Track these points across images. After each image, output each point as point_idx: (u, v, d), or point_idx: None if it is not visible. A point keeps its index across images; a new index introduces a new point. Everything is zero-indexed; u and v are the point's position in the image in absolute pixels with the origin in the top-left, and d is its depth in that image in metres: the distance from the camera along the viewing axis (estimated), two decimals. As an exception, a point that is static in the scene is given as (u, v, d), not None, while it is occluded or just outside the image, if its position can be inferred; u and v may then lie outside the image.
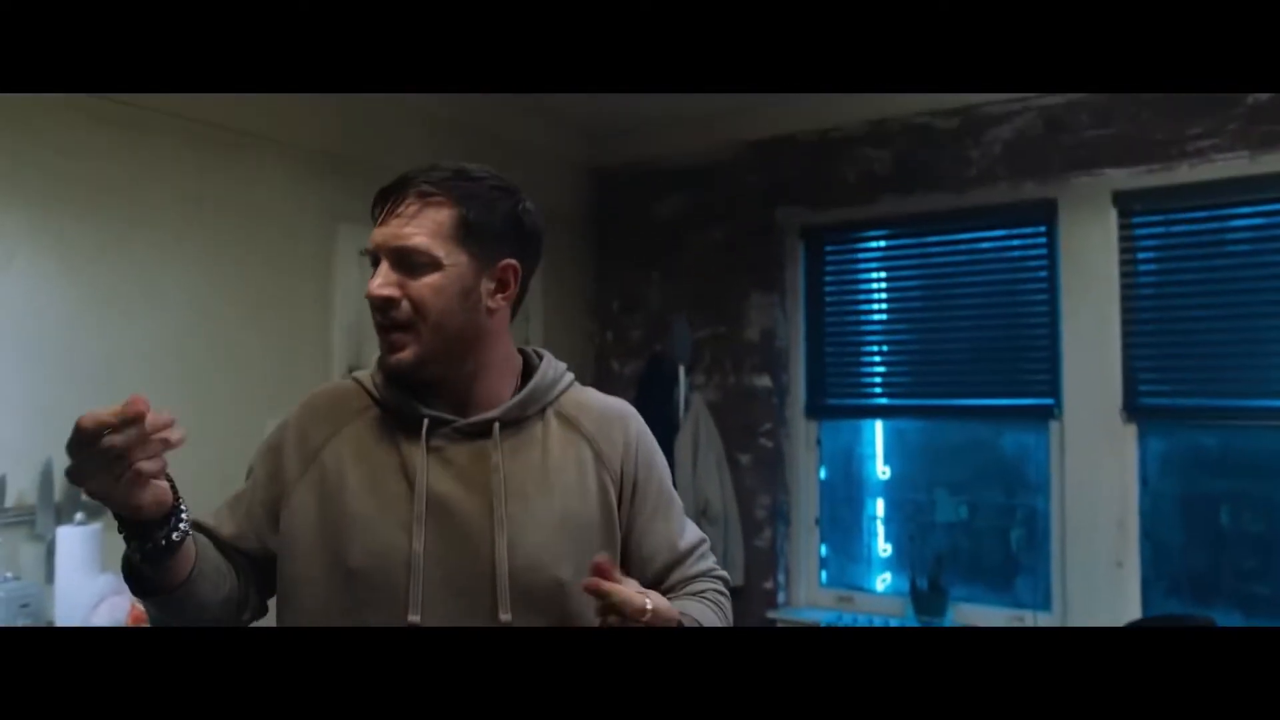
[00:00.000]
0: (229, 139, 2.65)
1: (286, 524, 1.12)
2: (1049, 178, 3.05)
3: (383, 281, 1.05)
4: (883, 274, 3.51)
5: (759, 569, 3.48)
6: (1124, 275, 2.96)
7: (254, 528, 1.14)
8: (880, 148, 3.34)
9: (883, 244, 3.50)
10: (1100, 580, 2.95)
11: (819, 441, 3.55)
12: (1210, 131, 2.79)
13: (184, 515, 0.98)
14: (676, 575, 1.18)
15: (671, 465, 3.29)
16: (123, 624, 1.99)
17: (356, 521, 1.08)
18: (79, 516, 2.19)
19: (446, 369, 1.10)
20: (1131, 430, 2.95)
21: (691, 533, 1.23)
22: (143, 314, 2.45)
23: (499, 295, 1.11)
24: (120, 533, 0.97)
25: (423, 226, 1.06)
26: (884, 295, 3.50)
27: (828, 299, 3.56)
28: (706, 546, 1.24)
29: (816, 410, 3.55)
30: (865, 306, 3.53)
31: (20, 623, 1.99)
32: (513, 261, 1.12)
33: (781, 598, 3.48)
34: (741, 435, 3.54)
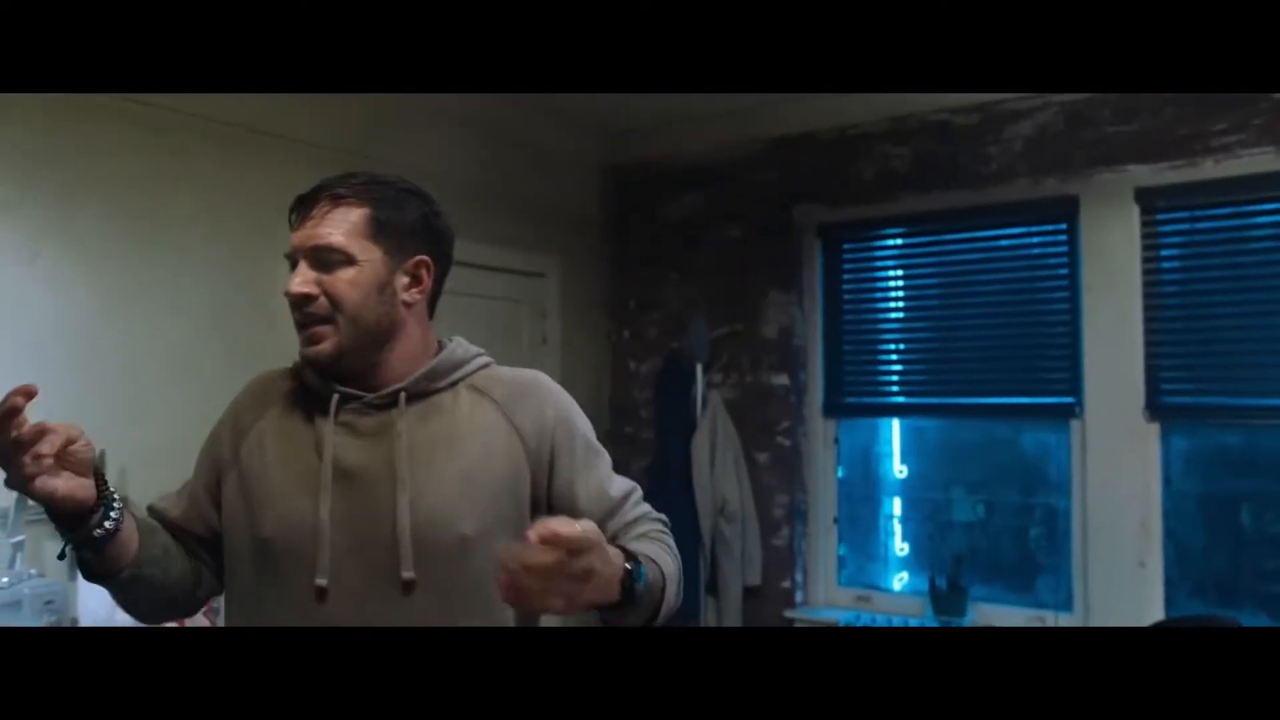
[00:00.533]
0: (248, 137, 2.67)
1: (223, 504, 1.21)
2: (1070, 174, 3.02)
3: (301, 280, 1.13)
4: (901, 272, 3.49)
5: (777, 568, 3.47)
6: (1147, 272, 2.93)
7: (199, 511, 1.24)
8: (899, 145, 3.32)
9: (901, 241, 3.48)
10: (1123, 581, 2.92)
11: (837, 440, 3.53)
12: (1235, 127, 2.75)
13: (115, 508, 1.07)
14: (614, 524, 1.20)
15: (688, 463, 3.36)
16: (145, 620, 2.00)
17: (271, 494, 1.17)
18: (102, 513, 2.22)
19: (363, 360, 1.17)
20: (1154, 429, 2.92)
21: (621, 482, 1.25)
22: (165, 313, 2.47)
23: (414, 289, 1.19)
24: (52, 522, 1.06)
25: (336, 226, 1.14)
26: (902, 293, 3.48)
27: (845, 297, 3.54)
28: (639, 494, 1.26)
29: (834, 409, 3.53)
30: (883, 304, 3.51)
31: (45, 620, 2.01)
32: (424, 257, 1.20)
33: (799, 597, 3.47)
34: (759, 434, 3.53)
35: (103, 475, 1.08)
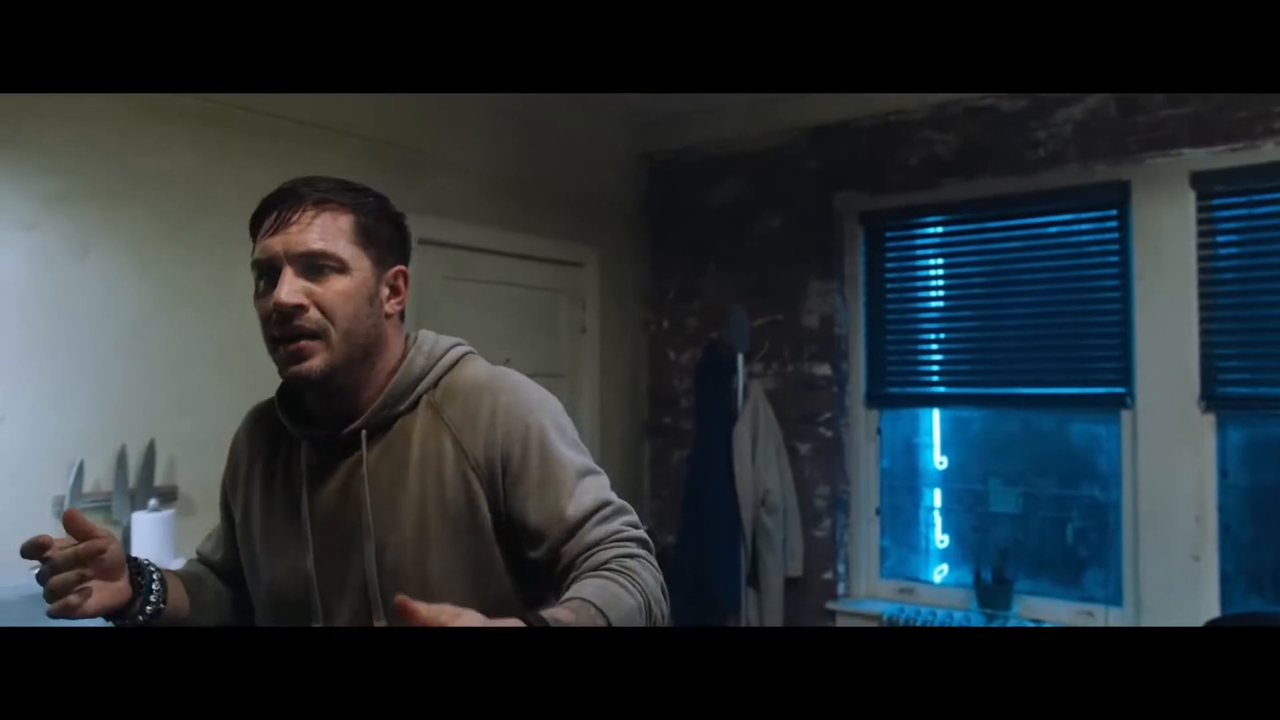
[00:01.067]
0: (292, 130, 2.69)
1: (239, 547, 1.23)
2: (1122, 159, 2.94)
3: (291, 289, 1.03)
4: (944, 260, 3.43)
5: (818, 560, 3.44)
6: (1202, 259, 2.84)
7: (230, 552, 1.25)
8: (944, 131, 3.26)
9: (944, 229, 3.42)
10: (1176, 575, 2.84)
11: (879, 431, 3.49)
12: (1297, 108, 2.66)
13: (154, 590, 1.08)
14: (571, 548, 1.05)
15: (729, 454, 3.34)
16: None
17: (265, 543, 1.17)
18: (152, 503, 2.26)
19: (349, 377, 1.09)
20: (1210, 420, 2.84)
21: (588, 497, 1.08)
22: (212, 307, 2.51)
23: (393, 300, 1.13)
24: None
25: (327, 231, 1.06)
26: (945, 281, 3.42)
27: (888, 286, 3.49)
28: (609, 510, 1.09)
29: (877, 399, 3.49)
30: (926, 293, 3.46)
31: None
32: (403, 267, 1.15)
33: (841, 589, 3.44)
34: (800, 424, 3.50)
35: (136, 561, 1.08)
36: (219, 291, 2.52)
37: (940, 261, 3.44)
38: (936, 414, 3.45)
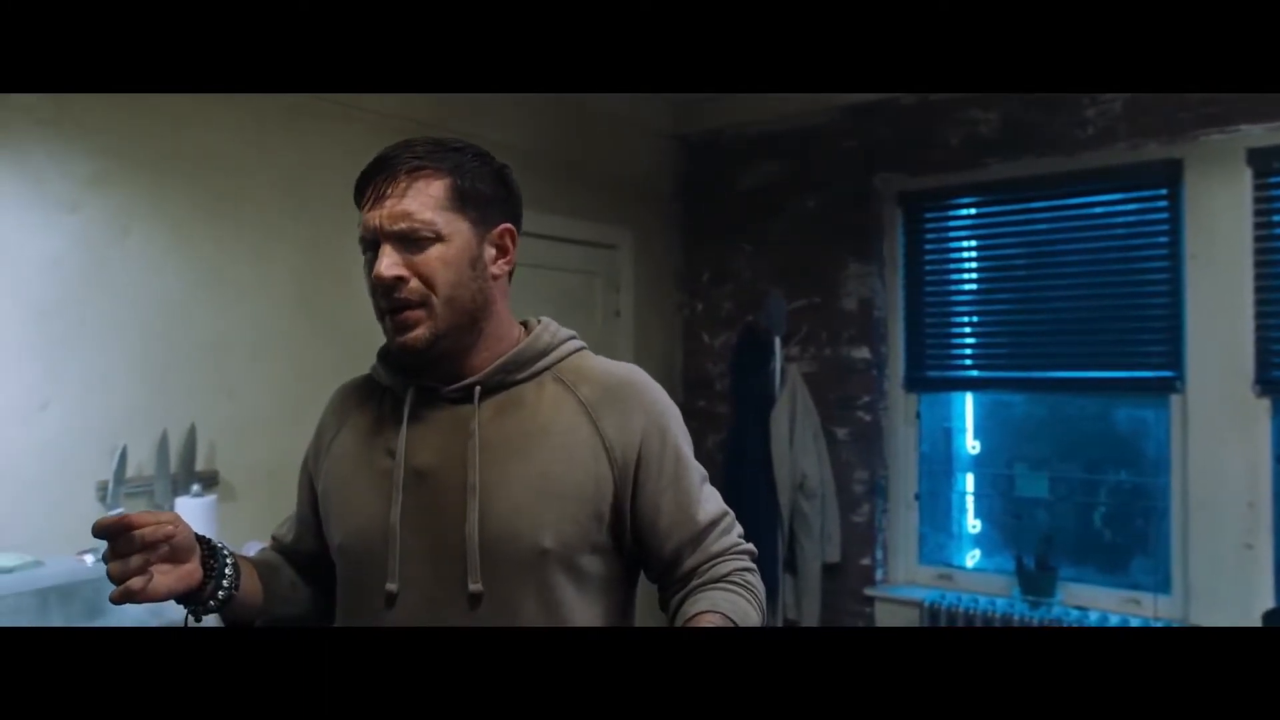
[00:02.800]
0: (330, 109, 2.65)
1: (321, 518, 1.18)
2: (1175, 137, 2.86)
3: (390, 262, 1.03)
4: (986, 241, 3.36)
5: (856, 545, 3.40)
6: (1259, 239, 2.77)
7: (308, 530, 1.22)
8: (987, 110, 3.19)
9: (987, 210, 3.35)
10: (1227, 563, 2.79)
11: (919, 415, 3.43)
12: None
13: (226, 574, 1.04)
14: (696, 557, 1.10)
15: (766, 439, 3.29)
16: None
17: (346, 499, 1.12)
18: (195, 488, 2.23)
19: (456, 343, 1.08)
20: (1264, 405, 2.77)
21: (712, 505, 1.13)
22: (251, 290, 2.47)
23: (500, 261, 1.11)
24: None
25: (418, 200, 1.04)
26: (987, 263, 3.36)
27: (928, 268, 3.43)
28: (730, 520, 1.15)
29: (916, 383, 3.43)
30: (968, 275, 3.39)
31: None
32: (509, 225, 1.12)
33: (879, 575, 3.40)
34: (838, 408, 3.45)
35: (209, 543, 1.04)
36: (257, 273, 2.49)
37: (981, 243, 3.37)
38: (969, 397, 3.40)
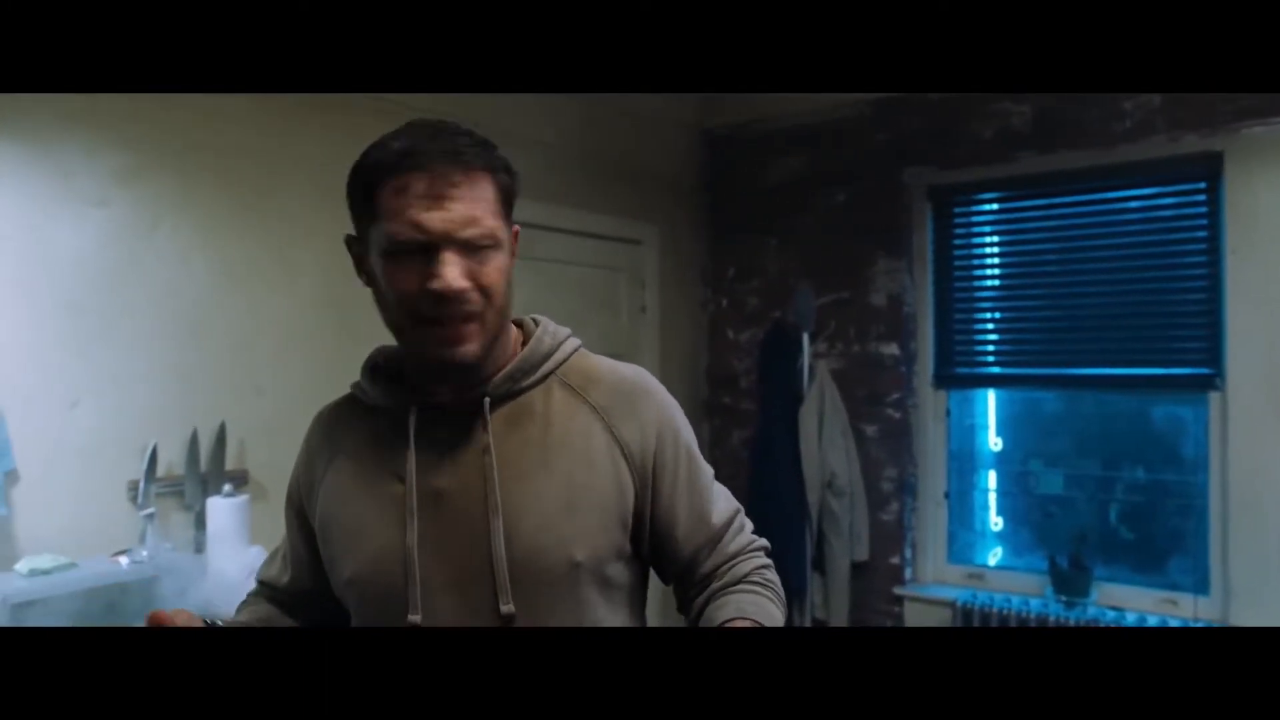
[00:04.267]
0: (357, 103, 2.60)
1: (322, 554, 1.10)
2: (1215, 129, 2.81)
3: (459, 272, 0.93)
4: (1018, 236, 3.31)
5: (885, 544, 3.36)
6: (1301, 234, 2.72)
7: (304, 568, 1.15)
8: (1020, 102, 3.14)
9: (1019, 204, 3.30)
10: (1269, 563, 2.74)
11: (948, 412, 3.39)
12: None
13: None
14: (714, 559, 1.08)
15: (794, 436, 3.25)
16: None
17: (352, 531, 1.04)
18: (226, 488, 2.20)
19: (488, 353, 1.02)
20: (1306, 402, 2.72)
21: (723, 504, 1.11)
22: (279, 286, 2.44)
23: (511, 264, 1.04)
24: None
25: (480, 204, 0.95)
26: (1019, 259, 3.31)
27: (957, 263, 3.38)
28: (741, 516, 1.13)
29: (945, 380, 3.39)
30: (998, 271, 3.35)
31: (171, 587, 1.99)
32: (518, 226, 1.05)
33: (908, 574, 3.36)
34: (867, 405, 3.41)
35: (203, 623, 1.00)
36: (286, 269, 2.46)
37: (1013, 238, 3.32)
38: (990, 394, 3.37)
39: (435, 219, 0.93)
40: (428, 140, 0.96)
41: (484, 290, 0.96)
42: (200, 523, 2.22)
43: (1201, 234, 2.93)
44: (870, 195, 3.43)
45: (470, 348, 0.97)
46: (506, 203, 1.00)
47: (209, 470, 2.27)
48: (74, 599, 1.69)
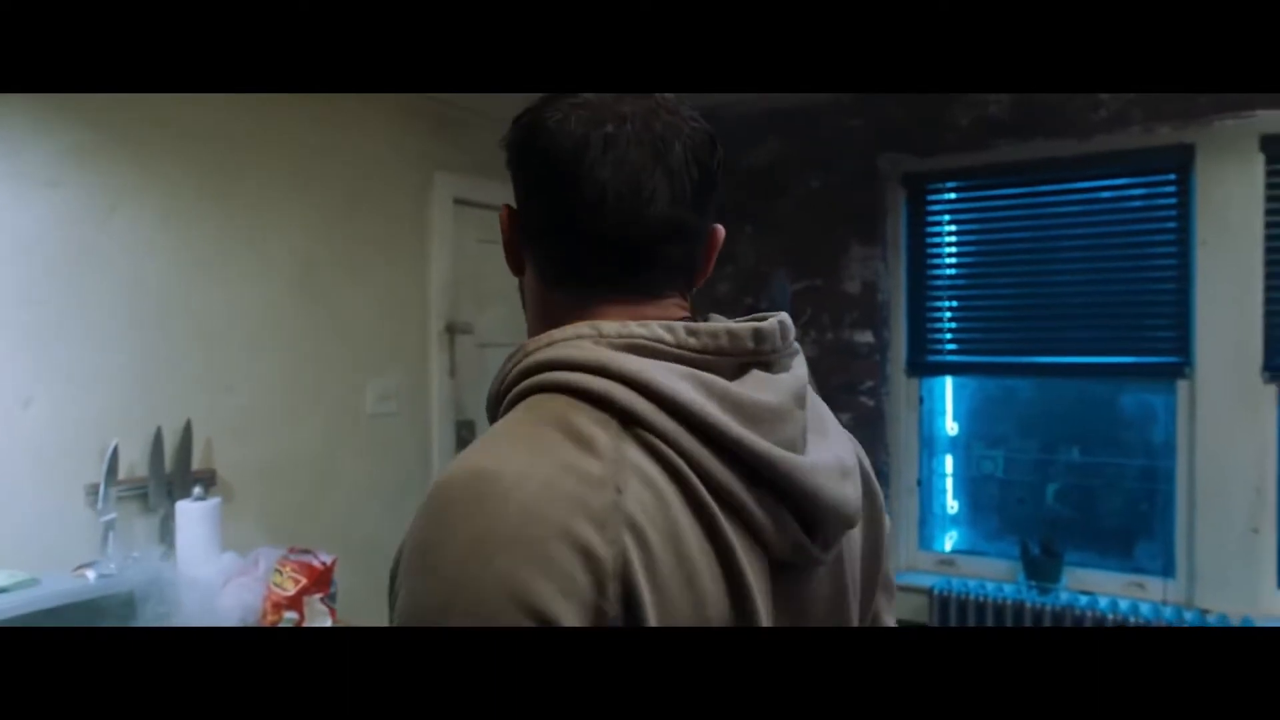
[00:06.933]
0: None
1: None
2: (1190, 121, 2.84)
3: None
4: (992, 224, 3.32)
5: (858, 532, 3.36)
6: (1270, 226, 2.78)
7: None
8: (1001, 93, 3.13)
9: (992, 193, 3.31)
10: (1232, 547, 2.82)
11: (921, 400, 3.40)
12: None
13: None
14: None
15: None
16: (255, 608, 1.87)
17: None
18: (196, 491, 2.06)
19: None
20: (1272, 391, 2.79)
21: None
22: (248, 275, 2.29)
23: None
24: None
25: None
26: (993, 247, 3.32)
27: (930, 250, 3.38)
28: None
29: (918, 367, 3.39)
30: (972, 259, 3.35)
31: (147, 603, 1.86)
32: None
33: (881, 561, 3.37)
34: (841, 393, 3.39)
35: None
36: (255, 257, 2.31)
37: (987, 226, 3.33)
38: (949, 381, 3.40)
39: None
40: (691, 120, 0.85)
41: None
42: (165, 528, 2.08)
43: (1172, 225, 2.97)
44: (845, 182, 3.39)
45: None
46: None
47: (174, 472, 2.12)
48: (39, 619, 1.55)
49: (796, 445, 0.72)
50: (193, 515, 1.99)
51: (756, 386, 0.71)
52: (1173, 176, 2.96)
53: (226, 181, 2.24)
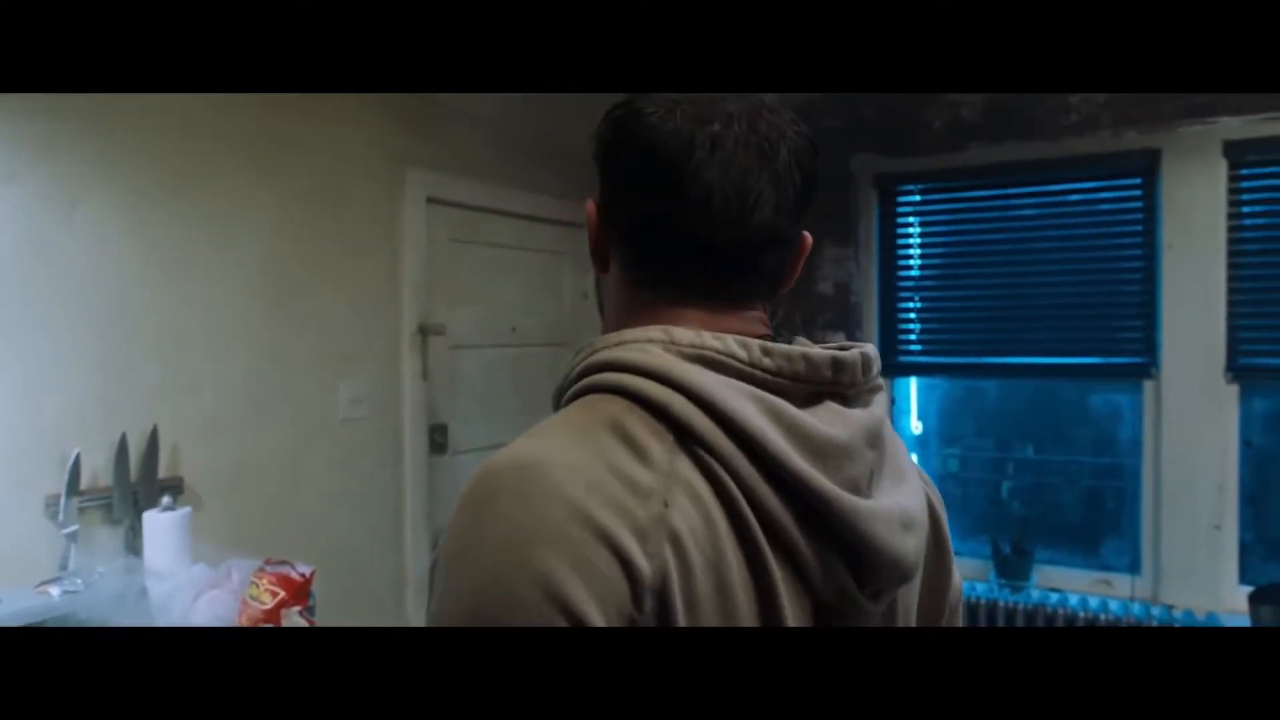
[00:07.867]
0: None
1: None
2: (1156, 126, 2.90)
3: None
4: (962, 226, 3.36)
5: (831, 532, 3.37)
6: (1232, 230, 2.84)
7: None
8: (972, 93, 3.16)
9: (962, 195, 3.34)
10: (1196, 543, 2.88)
11: (893, 400, 3.42)
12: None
13: None
14: None
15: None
16: (230, 622, 1.79)
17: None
18: (165, 500, 1.97)
19: None
20: (1234, 391, 2.86)
21: None
22: (214, 274, 2.20)
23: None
24: None
25: None
26: (963, 248, 3.35)
27: (901, 252, 3.40)
28: None
29: (891, 368, 3.41)
30: (944, 260, 3.38)
31: (120, 620, 1.77)
32: None
33: (853, 561, 3.38)
34: (813, 395, 3.39)
35: None
36: (223, 256, 2.21)
37: (957, 228, 3.36)
38: (913, 382, 3.44)
39: None
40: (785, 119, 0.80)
41: None
42: (131, 539, 1.98)
43: (1138, 228, 3.03)
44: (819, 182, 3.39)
45: None
46: None
47: (140, 479, 2.02)
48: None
49: (860, 487, 0.68)
50: (162, 526, 1.90)
51: (827, 419, 0.67)
52: (1139, 181, 3.01)
53: (193, 176, 2.14)
